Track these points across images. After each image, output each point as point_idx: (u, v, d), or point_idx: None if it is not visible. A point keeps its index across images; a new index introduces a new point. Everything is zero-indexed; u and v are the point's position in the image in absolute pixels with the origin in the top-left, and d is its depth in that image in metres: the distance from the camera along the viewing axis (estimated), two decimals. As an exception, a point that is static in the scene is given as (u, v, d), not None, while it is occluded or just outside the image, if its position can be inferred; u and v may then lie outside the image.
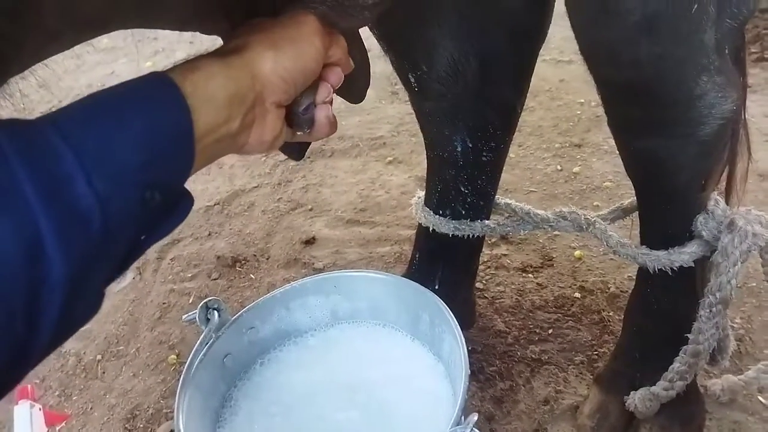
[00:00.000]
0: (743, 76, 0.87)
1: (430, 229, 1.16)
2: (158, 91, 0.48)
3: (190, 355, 0.86)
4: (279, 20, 0.60)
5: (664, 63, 0.74)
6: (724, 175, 0.97)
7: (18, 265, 0.37)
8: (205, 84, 0.50)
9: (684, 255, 0.95)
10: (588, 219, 1.06)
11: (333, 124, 0.66)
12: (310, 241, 1.73)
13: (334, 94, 0.67)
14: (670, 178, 0.91)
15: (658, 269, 0.97)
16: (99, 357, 1.49)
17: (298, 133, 0.65)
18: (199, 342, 0.88)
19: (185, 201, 0.51)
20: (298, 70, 0.58)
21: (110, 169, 0.42)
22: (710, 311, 0.92)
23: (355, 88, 0.81)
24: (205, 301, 0.89)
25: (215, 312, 0.90)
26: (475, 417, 0.71)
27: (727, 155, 0.93)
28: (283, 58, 0.56)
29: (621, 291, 1.44)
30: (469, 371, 0.80)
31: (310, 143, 0.81)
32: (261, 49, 0.56)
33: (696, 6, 0.68)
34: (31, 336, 0.39)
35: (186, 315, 0.91)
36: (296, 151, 0.84)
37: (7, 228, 0.37)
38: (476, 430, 0.71)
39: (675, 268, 0.96)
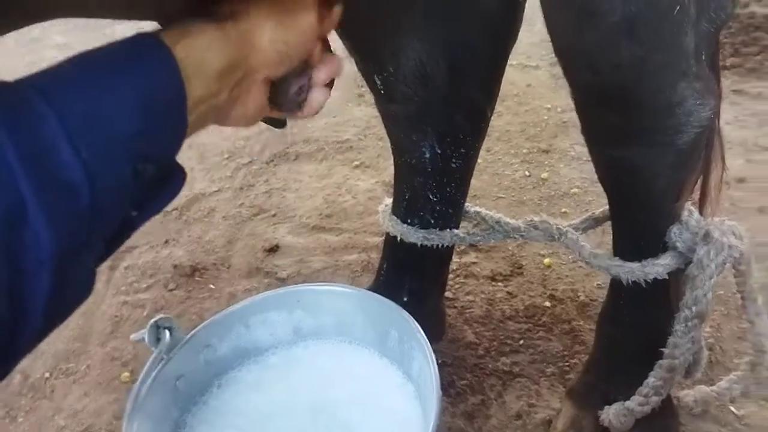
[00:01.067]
0: (718, 83, 0.85)
1: (398, 238, 1.12)
2: (149, 55, 0.43)
3: (138, 380, 0.80)
4: None
5: (645, 66, 0.71)
6: (698, 184, 0.95)
7: None
8: (198, 52, 0.46)
9: (658, 267, 0.92)
10: (560, 229, 1.03)
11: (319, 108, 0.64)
12: (273, 249, 1.67)
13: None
14: (645, 187, 0.88)
15: (632, 281, 0.94)
16: (47, 375, 1.39)
17: (286, 113, 0.62)
18: (148, 364, 0.81)
19: (177, 175, 0.48)
20: (296, 44, 0.55)
21: (99, 138, 0.38)
22: (686, 325, 0.89)
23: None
24: (155, 319, 0.83)
25: (166, 331, 0.83)
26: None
27: (701, 164, 0.91)
28: (283, 30, 0.53)
29: (591, 300, 1.42)
30: (441, 392, 0.76)
31: None
32: (260, 19, 0.51)
33: (678, 7, 0.65)
34: (19, 317, 0.36)
35: (134, 334, 0.84)
36: (280, 120, 0.79)
37: None
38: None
39: (648, 280, 0.93)
